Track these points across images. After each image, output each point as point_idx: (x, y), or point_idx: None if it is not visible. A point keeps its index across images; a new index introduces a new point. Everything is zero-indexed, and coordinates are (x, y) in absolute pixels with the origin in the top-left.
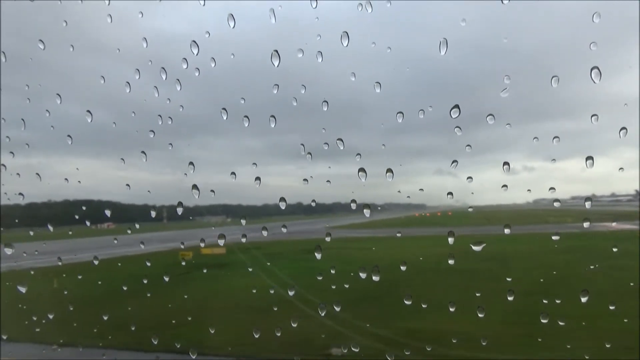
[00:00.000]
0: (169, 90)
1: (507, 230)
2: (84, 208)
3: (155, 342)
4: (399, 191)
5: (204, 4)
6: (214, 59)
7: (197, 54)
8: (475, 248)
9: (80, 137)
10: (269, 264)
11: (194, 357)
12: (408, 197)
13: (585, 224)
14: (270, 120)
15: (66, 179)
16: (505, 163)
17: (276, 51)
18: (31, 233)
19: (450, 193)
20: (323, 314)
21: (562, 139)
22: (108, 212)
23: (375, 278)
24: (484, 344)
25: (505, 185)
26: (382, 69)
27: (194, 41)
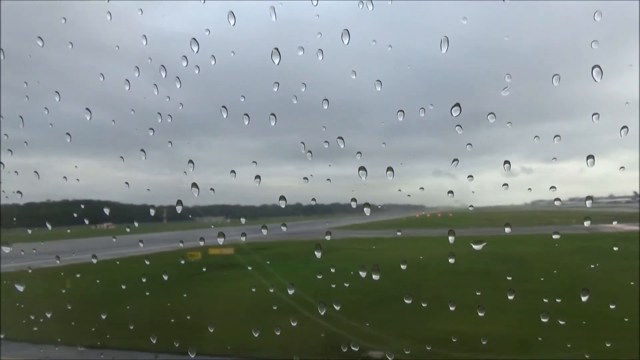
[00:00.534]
0: (168, 89)
1: (507, 230)
2: (82, 207)
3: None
4: (400, 190)
5: (204, 2)
6: (214, 57)
7: (197, 52)
8: (476, 247)
9: (78, 137)
10: (280, 264)
11: (192, 356)
12: (408, 195)
13: (586, 223)
14: (269, 120)
15: (65, 177)
16: (506, 162)
17: (276, 49)
18: (29, 231)
19: (451, 192)
20: (322, 313)
21: (560, 140)
22: (107, 211)
23: (376, 277)
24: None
25: (505, 184)
26: (382, 68)
27: (194, 39)
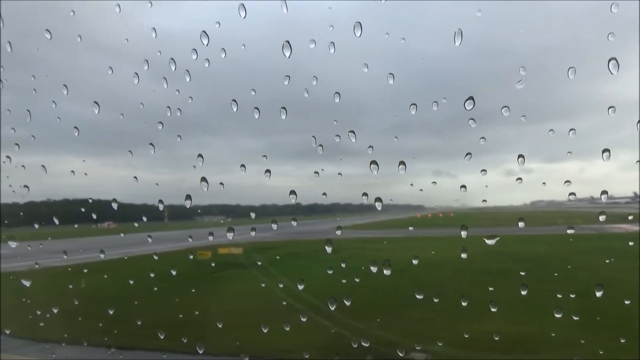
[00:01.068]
0: (174, 88)
1: (520, 224)
2: (84, 204)
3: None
4: (412, 184)
5: None
6: (224, 50)
7: (207, 45)
8: (489, 242)
9: (79, 136)
10: (292, 263)
11: (200, 352)
12: (421, 190)
13: (601, 218)
14: (273, 119)
15: (72, 171)
16: (520, 156)
17: (287, 42)
18: (36, 226)
19: (463, 186)
20: (333, 308)
21: (560, 141)
22: (115, 205)
23: (387, 272)
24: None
25: (519, 178)
26: (392, 63)
27: (204, 31)
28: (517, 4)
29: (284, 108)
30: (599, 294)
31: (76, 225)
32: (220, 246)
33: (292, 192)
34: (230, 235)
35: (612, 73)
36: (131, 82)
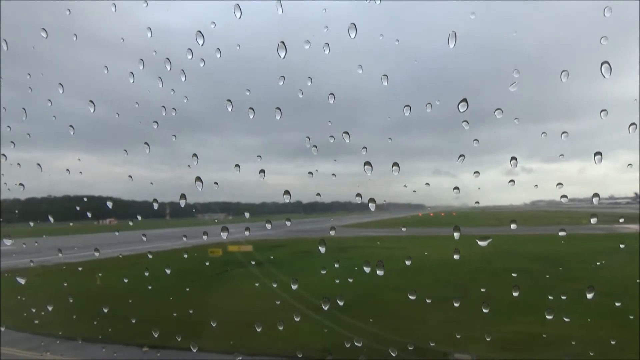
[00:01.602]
0: (170, 85)
1: (518, 226)
2: (83, 207)
3: None
4: (405, 185)
5: None
6: (219, 50)
7: (202, 45)
8: (481, 243)
9: (79, 132)
10: (304, 262)
11: (194, 351)
12: (414, 191)
13: (621, 220)
14: (269, 118)
15: (68, 169)
16: (513, 158)
17: (282, 42)
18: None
19: (456, 188)
20: (326, 308)
21: (560, 141)
22: (110, 204)
23: (380, 272)
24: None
25: (512, 181)
26: (386, 64)
27: (200, 31)
28: (514, 4)
29: (278, 108)
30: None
31: (71, 223)
32: (230, 244)
33: (287, 192)
34: (224, 235)
35: (604, 77)
36: (127, 80)
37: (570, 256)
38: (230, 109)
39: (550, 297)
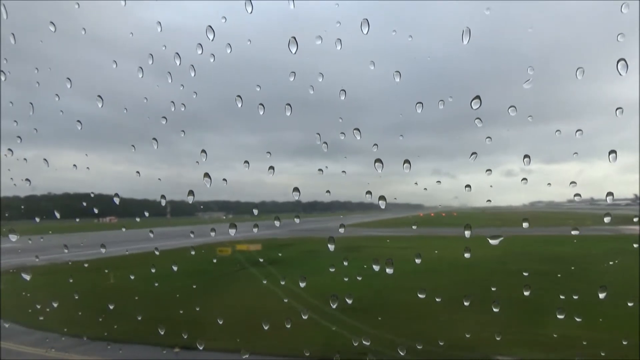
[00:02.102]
0: (173, 83)
1: (525, 226)
2: (84, 204)
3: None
4: (416, 183)
5: None
6: (229, 45)
7: (212, 40)
8: (492, 242)
9: (78, 131)
10: (314, 261)
11: (201, 348)
12: (425, 189)
13: (606, 219)
14: (270, 116)
15: (75, 164)
16: (526, 156)
17: (294, 38)
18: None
19: (468, 185)
20: (335, 306)
21: (559, 142)
22: (117, 200)
23: (389, 270)
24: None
25: (525, 179)
26: (398, 61)
27: (210, 26)
28: (520, 4)
29: (288, 104)
30: None
31: (77, 219)
32: (237, 243)
33: (296, 189)
34: (232, 231)
35: (620, 74)
36: (127, 78)
37: (583, 257)
38: (240, 105)
39: (576, 300)
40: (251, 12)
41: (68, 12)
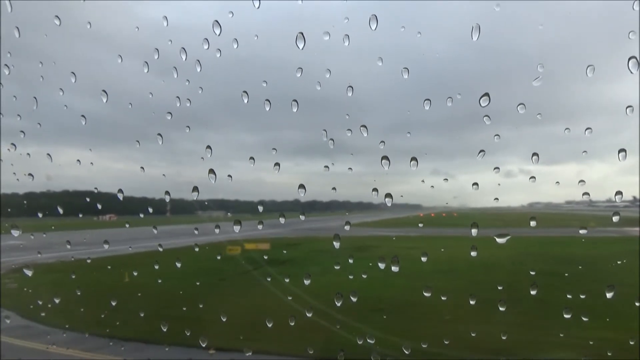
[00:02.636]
0: (176, 80)
1: (532, 226)
2: (86, 201)
3: None
4: (423, 181)
5: None
6: (236, 40)
7: (219, 35)
8: (500, 240)
9: (77, 129)
10: (325, 261)
11: (203, 345)
12: (432, 186)
13: (615, 218)
14: (270, 114)
15: (78, 160)
16: (534, 154)
17: (301, 33)
18: (40, 215)
19: (475, 184)
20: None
21: (558, 143)
22: (120, 196)
23: (395, 269)
24: None
25: (533, 177)
26: (407, 59)
27: (217, 21)
28: (520, 4)
29: (295, 101)
30: None
31: (80, 214)
32: (245, 241)
33: (301, 186)
34: (237, 228)
35: (631, 72)
36: (136, 73)
37: (596, 258)
38: (246, 101)
39: (601, 301)
40: (258, 7)
41: (73, 6)
